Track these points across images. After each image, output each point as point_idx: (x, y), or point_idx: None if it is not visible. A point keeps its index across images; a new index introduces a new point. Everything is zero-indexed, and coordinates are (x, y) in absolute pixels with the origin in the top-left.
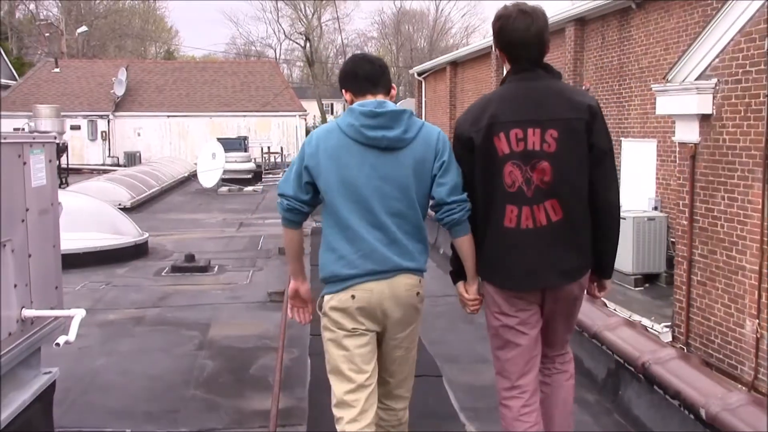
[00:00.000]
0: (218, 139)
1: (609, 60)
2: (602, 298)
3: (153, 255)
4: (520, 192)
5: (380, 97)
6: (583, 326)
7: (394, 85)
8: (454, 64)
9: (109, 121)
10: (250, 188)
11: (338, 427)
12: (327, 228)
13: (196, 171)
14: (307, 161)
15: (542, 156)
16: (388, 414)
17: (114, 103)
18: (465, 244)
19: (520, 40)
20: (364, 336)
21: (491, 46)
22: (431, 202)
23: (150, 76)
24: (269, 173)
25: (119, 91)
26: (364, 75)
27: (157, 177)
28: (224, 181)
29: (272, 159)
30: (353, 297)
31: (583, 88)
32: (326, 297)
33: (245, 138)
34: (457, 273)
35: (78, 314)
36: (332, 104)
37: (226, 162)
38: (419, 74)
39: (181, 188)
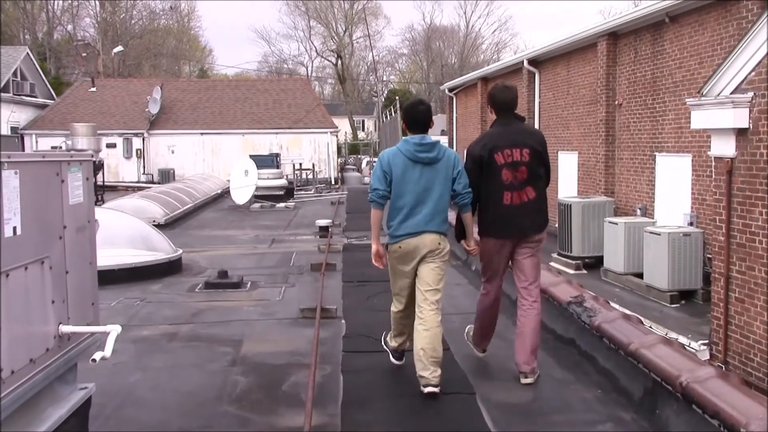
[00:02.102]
0: (251, 156)
1: (642, 74)
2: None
3: (186, 271)
4: (511, 184)
5: (422, 133)
6: (619, 344)
7: (433, 120)
8: (485, 79)
9: (143, 139)
10: (282, 205)
11: (393, 309)
12: (391, 209)
13: (228, 188)
14: (386, 168)
15: (522, 164)
16: (421, 315)
17: (149, 121)
18: (468, 218)
19: (504, 103)
20: (404, 268)
21: (522, 62)
22: (452, 193)
23: (184, 95)
24: (301, 190)
25: (154, 109)
26: (421, 121)
27: (190, 194)
28: (257, 197)
29: (304, 175)
30: (399, 246)
31: (616, 103)
32: (389, 245)
33: (277, 155)
34: (460, 235)
35: (114, 330)
36: (363, 121)
37: (259, 179)
38: (450, 90)
39: (214, 205)
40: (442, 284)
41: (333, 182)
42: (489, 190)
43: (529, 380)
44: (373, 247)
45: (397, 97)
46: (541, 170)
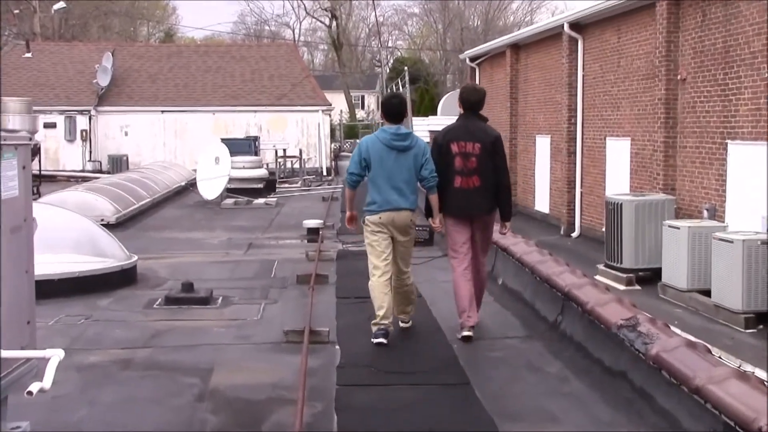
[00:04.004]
0: (223, 140)
1: (711, 42)
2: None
3: (143, 283)
4: (462, 170)
5: (398, 124)
6: (681, 378)
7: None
8: (516, 47)
9: (90, 118)
10: (261, 200)
11: (371, 280)
12: (370, 188)
13: (195, 179)
14: (364, 155)
15: (472, 155)
16: (398, 280)
17: (97, 96)
18: (434, 199)
19: (471, 103)
20: (383, 234)
21: (562, 26)
22: (420, 177)
23: (141, 63)
24: (285, 182)
25: (103, 81)
26: (395, 113)
27: (148, 186)
28: (230, 191)
29: (289, 164)
30: (380, 218)
31: (678, 78)
32: (367, 217)
33: (256, 138)
34: (428, 212)
35: (54, 356)
36: (362, 97)
37: (233, 168)
38: (472, 60)
39: (178, 200)
40: (411, 252)
41: (325, 173)
42: (445, 174)
43: (467, 333)
44: (348, 213)
45: (405, 68)
46: (489, 164)
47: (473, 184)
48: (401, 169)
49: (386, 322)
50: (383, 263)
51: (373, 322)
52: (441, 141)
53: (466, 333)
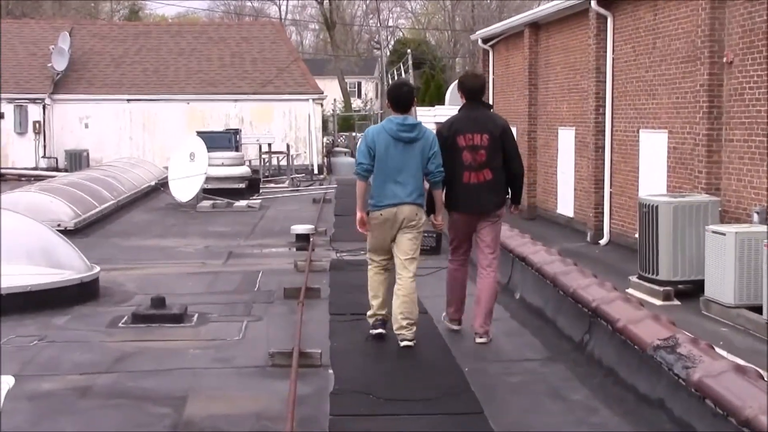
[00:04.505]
0: (198, 134)
1: (763, 19)
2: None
3: (106, 298)
4: (471, 165)
5: (405, 114)
6: (728, 408)
7: (416, 100)
8: (535, 26)
9: (44, 108)
10: (243, 203)
11: (369, 267)
12: (375, 182)
13: (166, 178)
14: (370, 144)
15: (481, 147)
16: (401, 282)
17: (52, 82)
18: (438, 194)
19: (473, 91)
20: (386, 233)
21: (588, 0)
22: (425, 171)
23: (103, 45)
24: (270, 181)
25: (59, 65)
26: (403, 102)
27: (112, 186)
28: (207, 192)
29: (275, 161)
30: (381, 214)
31: (724, 61)
32: (370, 212)
33: (237, 131)
34: (430, 209)
35: (3, 383)
36: (359, 83)
37: (210, 165)
38: (485, 41)
39: (146, 202)
40: (418, 252)
41: (316, 171)
42: (451, 169)
43: (482, 340)
44: (358, 215)
45: (408, 51)
46: (499, 155)
47: (484, 178)
48: (407, 161)
49: (383, 312)
50: (381, 259)
51: (368, 314)
52: (446, 134)
53: (455, 327)
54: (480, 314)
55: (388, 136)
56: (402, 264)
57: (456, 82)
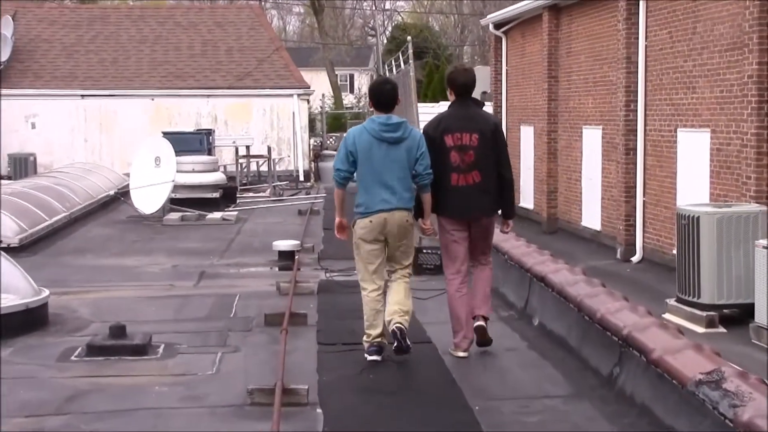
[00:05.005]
0: (165, 135)
1: None
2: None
3: (57, 326)
4: (458, 166)
5: (389, 114)
6: None
7: (400, 98)
8: (556, 9)
9: None
10: (217, 215)
11: (362, 294)
12: (360, 187)
13: (128, 186)
14: (350, 148)
15: (470, 148)
16: (397, 273)
17: None
18: (426, 198)
19: (463, 86)
20: (375, 243)
21: None
22: (413, 173)
23: (53, 31)
24: (249, 190)
25: (1, 54)
26: (385, 101)
27: (64, 196)
28: (175, 203)
29: (254, 167)
30: (370, 221)
31: None
32: (357, 221)
33: (209, 132)
34: (418, 213)
35: None
36: (351, 76)
37: (179, 172)
38: (497, 26)
39: (105, 215)
40: (411, 259)
41: (302, 178)
42: (439, 171)
43: (480, 323)
44: (337, 220)
45: (409, 38)
46: (490, 156)
47: (473, 180)
48: (393, 164)
49: (379, 339)
50: (374, 275)
51: (364, 339)
52: (433, 134)
53: (461, 354)
54: (476, 299)
55: (371, 137)
56: (395, 273)
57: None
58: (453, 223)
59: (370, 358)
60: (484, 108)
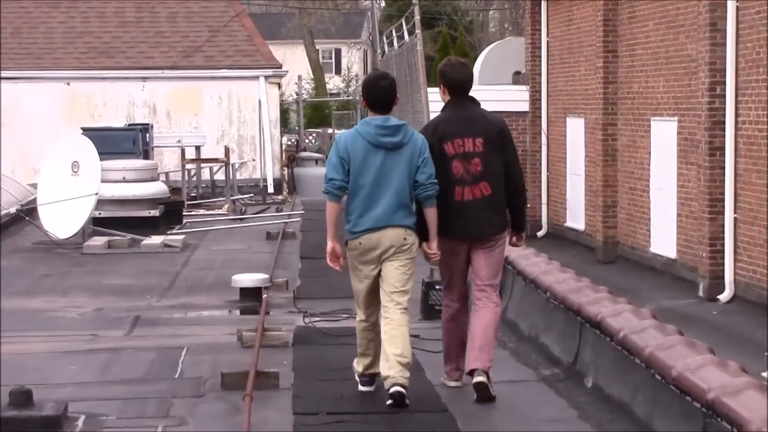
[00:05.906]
0: (85, 131)
1: None
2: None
3: None
4: (463, 178)
5: (386, 114)
6: None
7: (398, 96)
8: None
9: None
10: (156, 240)
11: (357, 318)
12: (349, 200)
13: (35, 201)
14: (343, 155)
15: (475, 155)
16: (389, 315)
17: None
18: (432, 214)
19: (459, 82)
20: (368, 265)
21: None
22: (415, 183)
23: None
24: (200, 205)
25: None
26: (382, 99)
27: None
28: (99, 223)
29: (207, 174)
30: (360, 242)
31: None
32: (348, 241)
33: (146, 127)
34: (422, 235)
35: None
36: (337, 51)
37: (104, 181)
38: None
39: (3, 240)
40: (411, 285)
41: (272, 189)
42: (440, 185)
43: (481, 378)
44: (329, 245)
45: (415, 2)
46: (497, 163)
47: (481, 193)
48: (391, 173)
49: (372, 370)
50: (371, 313)
51: (355, 365)
52: (431, 141)
53: (452, 384)
54: (472, 348)
55: (366, 142)
56: (389, 297)
57: (492, 46)
58: (455, 242)
59: (362, 389)
60: (489, 104)
